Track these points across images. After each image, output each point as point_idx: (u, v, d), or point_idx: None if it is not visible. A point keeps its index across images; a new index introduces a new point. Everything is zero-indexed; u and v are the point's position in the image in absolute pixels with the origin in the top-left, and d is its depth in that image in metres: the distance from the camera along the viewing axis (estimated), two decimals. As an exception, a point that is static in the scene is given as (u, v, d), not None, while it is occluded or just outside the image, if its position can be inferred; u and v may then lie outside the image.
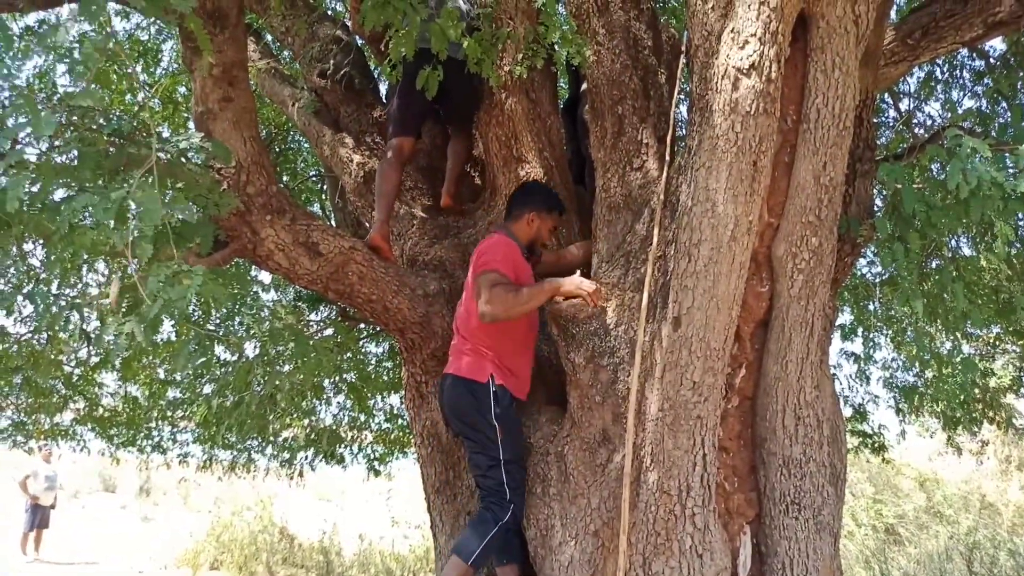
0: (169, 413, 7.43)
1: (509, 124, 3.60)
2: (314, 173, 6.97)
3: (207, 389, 6.44)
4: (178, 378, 6.51)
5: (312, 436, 7.23)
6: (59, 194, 2.52)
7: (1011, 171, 2.82)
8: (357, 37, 4.51)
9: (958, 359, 5.16)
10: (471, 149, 4.05)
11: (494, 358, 3.06)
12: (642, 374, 2.75)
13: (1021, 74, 4.85)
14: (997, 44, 5.31)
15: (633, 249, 3.12)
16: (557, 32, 3.18)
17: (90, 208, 1.95)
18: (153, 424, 7.70)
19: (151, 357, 6.02)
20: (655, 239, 2.95)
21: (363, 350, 7.31)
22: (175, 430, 7.90)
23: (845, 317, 6.68)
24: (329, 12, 5.41)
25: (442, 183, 4.08)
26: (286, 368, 4.31)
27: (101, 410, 7.19)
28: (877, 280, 6.33)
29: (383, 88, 5.11)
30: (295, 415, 6.83)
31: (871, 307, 6.57)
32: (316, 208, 6.98)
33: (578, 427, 2.95)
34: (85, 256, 2.55)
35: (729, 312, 2.69)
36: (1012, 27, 3.72)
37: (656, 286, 2.88)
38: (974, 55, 5.34)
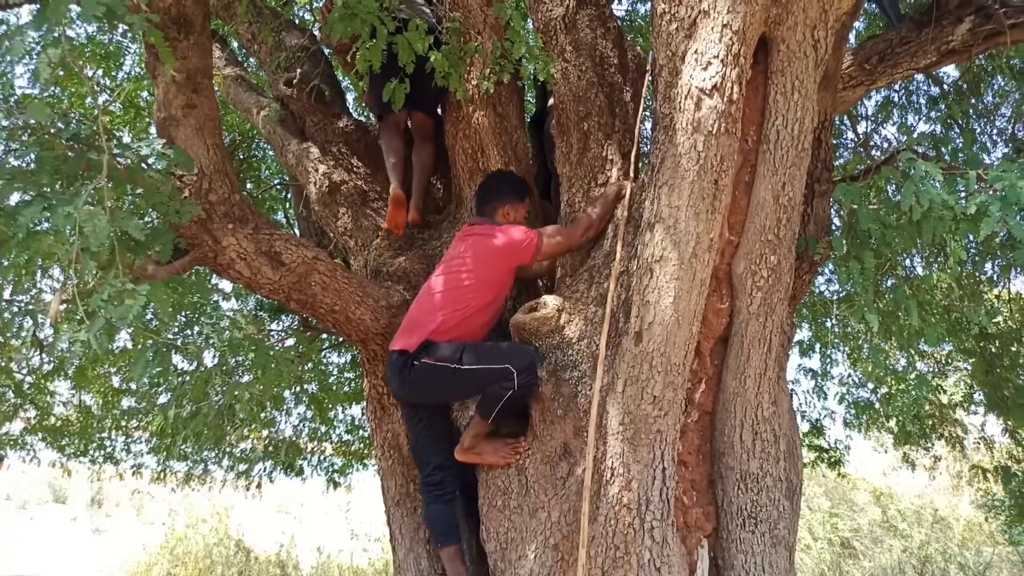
0: (123, 423, 7.26)
1: (476, 137, 3.61)
2: (278, 181, 6.91)
3: (163, 399, 6.32)
4: (133, 387, 6.37)
5: (271, 448, 7.13)
6: (15, 198, 2.47)
7: (962, 194, 2.91)
8: (324, 47, 4.49)
9: (912, 376, 5.28)
10: (435, 162, 4.05)
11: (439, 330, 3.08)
12: (603, 388, 2.77)
13: (973, 101, 5.01)
14: (951, 71, 5.48)
15: (597, 264, 3.15)
16: (524, 48, 3.21)
17: (47, 215, 1.91)
18: (106, 434, 7.52)
19: (106, 365, 5.90)
20: (618, 255, 2.98)
21: (324, 361, 7.24)
22: (129, 440, 7.72)
23: (803, 333, 6.80)
24: (296, 21, 5.38)
25: (407, 195, 4.07)
26: (245, 379, 4.26)
27: (53, 419, 7.01)
28: (834, 297, 6.46)
29: (351, 98, 5.10)
30: (254, 426, 6.73)
31: (828, 324, 6.70)
32: (280, 217, 6.91)
33: (539, 440, 2.96)
34: (40, 262, 2.49)
35: (690, 328, 2.73)
36: (964, 55, 3.86)
37: (619, 301, 2.91)
38: (929, 81, 5.50)
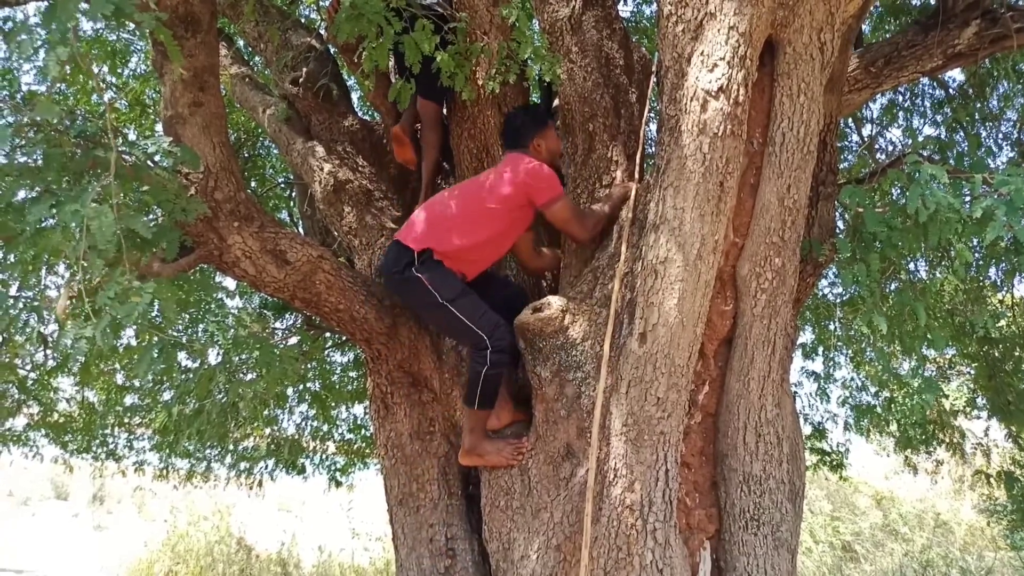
0: (126, 419, 7.28)
1: (481, 137, 3.62)
2: (282, 180, 6.92)
3: (167, 396, 6.33)
4: (137, 384, 6.39)
5: (273, 446, 7.14)
6: (21, 194, 2.48)
7: (968, 198, 2.91)
8: (331, 46, 4.50)
9: (917, 380, 5.28)
10: (442, 146, 4.03)
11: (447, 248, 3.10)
12: (607, 389, 2.77)
13: (978, 105, 5.00)
14: (956, 75, 5.48)
15: (601, 265, 3.15)
16: (530, 48, 3.21)
17: (54, 212, 1.92)
18: (109, 430, 7.54)
19: (111, 362, 5.91)
20: (623, 256, 2.98)
21: (328, 359, 7.25)
22: (132, 437, 7.74)
23: (806, 336, 6.80)
24: (303, 20, 5.39)
25: (412, 193, 4.08)
26: (249, 376, 4.27)
27: (56, 415, 7.03)
28: (838, 300, 6.46)
29: (356, 97, 5.11)
30: (257, 424, 6.74)
31: (831, 327, 6.70)
32: (284, 215, 6.92)
33: (542, 441, 2.96)
34: (46, 259, 2.50)
35: (694, 329, 2.73)
36: (970, 59, 3.85)
37: (623, 302, 2.91)
38: (935, 85, 5.50)
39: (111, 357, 5.69)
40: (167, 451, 7.24)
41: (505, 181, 3.15)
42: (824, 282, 6.45)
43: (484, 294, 3.16)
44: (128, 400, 6.85)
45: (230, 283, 6.29)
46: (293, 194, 6.55)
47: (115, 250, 2.07)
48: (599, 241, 3.28)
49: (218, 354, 4.10)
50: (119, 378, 6.55)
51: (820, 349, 6.67)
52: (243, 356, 3.92)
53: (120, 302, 2.00)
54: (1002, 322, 5.82)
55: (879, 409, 6.78)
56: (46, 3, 1.94)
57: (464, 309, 3.02)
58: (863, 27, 4.56)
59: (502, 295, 3.29)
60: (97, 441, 7.51)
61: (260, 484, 7.87)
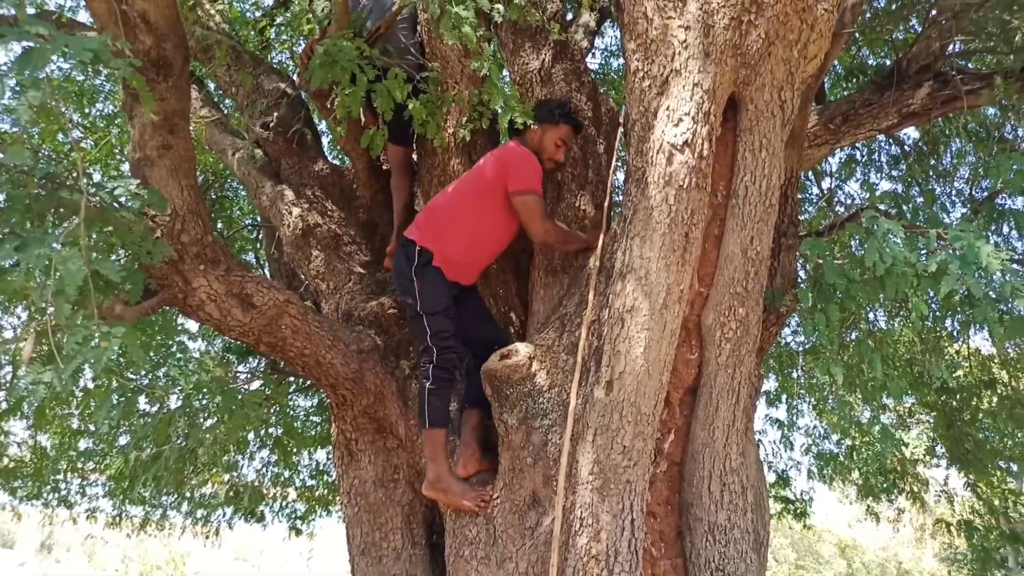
0: (80, 465, 7.06)
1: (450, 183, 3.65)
2: (250, 222, 6.89)
3: (123, 440, 6.16)
4: (92, 428, 6.22)
5: (232, 493, 6.96)
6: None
7: (923, 252, 3.00)
8: (302, 91, 4.53)
9: (876, 428, 5.35)
10: (412, 198, 4.07)
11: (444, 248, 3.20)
12: (574, 437, 2.77)
13: (932, 162, 5.18)
14: (912, 132, 5.68)
15: (568, 312, 3.17)
16: (501, 99, 3.27)
17: (20, 255, 1.90)
18: (61, 476, 7.29)
19: (66, 406, 5.76)
20: (590, 304, 3.01)
21: (291, 404, 7.14)
22: (85, 483, 7.49)
23: (770, 384, 6.88)
24: (275, 65, 5.43)
25: (381, 239, 4.09)
26: (210, 422, 4.19)
27: (6, 460, 6.79)
28: (800, 349, 6.55)
29: (326, 142, 5.13)
30: (215, 470, 6.58)
31: (794, 375, 6.79)
32: (250, 257, 6.87)
33: (508, 489, 2.94)
34: (4, 301, 2.46)
35: (660, 378, 2.75)
36: (924, 118, 4.01)
37: (590, 350, 2.93)
38: (891, 141, 5.69)
39: (67, 401, 5.55)
40: (121, 498, 7.01)
41: (490, 164, 3.25)
42: (787, 330, 6.56)
43: (472, 327, 3.30)
44: (83, 445, 6.65)
45: (192, 325, 6.20)
46: (260, 236, 6.52)
47: (78, 293, 2.04)
48: (556, 248, 3.34)
49: (179, 398, 4.02)
50: (75, 422, 6.37)
51: (784, 397, 6.74)
52: (204, 400, 3.85)
53: (88, 348, 1.97)
54: (959, 372, 5.95)
55: (841, 457, 6.85)
56: (21, 46, 1.94)
57: (433, 325, 3.13)
58: (824, 83, 4.73)
59: (487, 338, 3.32)
60: (48, 487, 7.26)
61: (217, 532, 7.65)
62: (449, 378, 3.15)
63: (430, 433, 3.09)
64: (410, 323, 3.38)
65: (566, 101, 3.54)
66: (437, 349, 3.11)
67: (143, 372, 4.52)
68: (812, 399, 6.98)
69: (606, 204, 3.40)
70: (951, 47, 4.19)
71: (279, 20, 5.71)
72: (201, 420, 4.19)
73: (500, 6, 3.15)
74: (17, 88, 1.80)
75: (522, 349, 3.10)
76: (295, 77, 4.73)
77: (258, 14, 6.05)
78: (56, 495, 7.38)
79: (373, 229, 4.24)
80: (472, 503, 2.98)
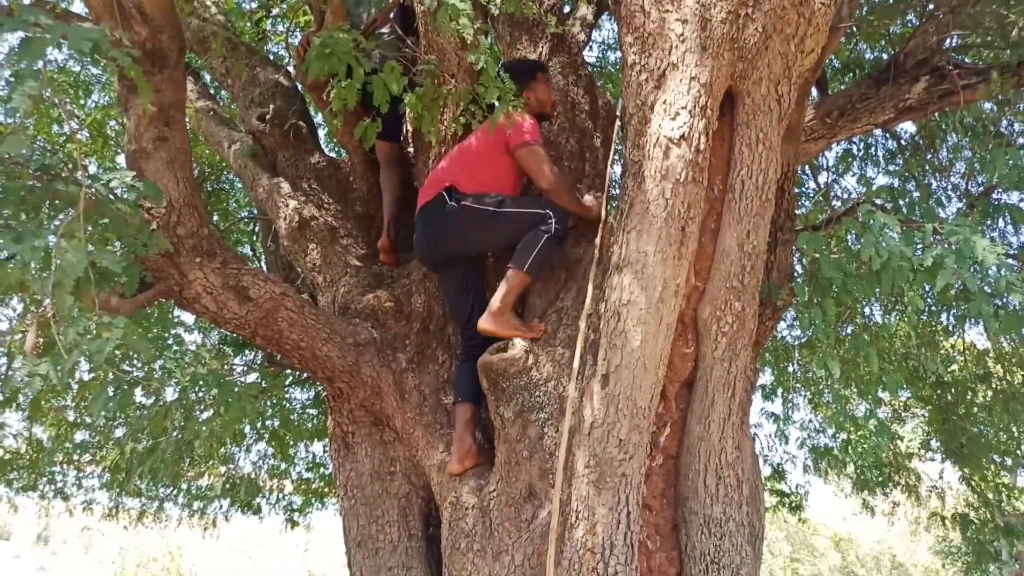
0: (76, 457, 7.06)
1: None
2: (246, 214, 6.88)
3: (119, 432, 6.16)
4: (89, 420, 6.22)
5: (229, 485, 6.97)
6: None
7: (919, 246, 3.01)
8: (298, 83, 4.52)
9: (871, 422, 5.37)
10: (402, 192, 4.07)
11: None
12: (570, 430, 2.78)
13: (929, 156, 5.19)
14: (908, 127, 5.68)
15: (565, 306, 3.17)
16: (496, 92, 3.26)
17: (17, 247, 1.89)
18: (57, 468, 7.29)
19: (62, 397, 5.75)
20: (587, 297, 3.01)
21: (288, 396, 7.14)
22: (81, 475, 7.50)
23: (766, 378, 6.90)
24: (271, 57, 5.41)
25: (377, 231, 4.09)
26: (206, 414, 4.19)
27: (2, 452, 6.79)
28: (796, 343, 6.57)
29: (323, 134, 5.12)
30: (212, 462, 6.59)
31: (790, 368, 6.80)
32: (246, 250, 6.86)
33: (504, 482, 2.95)
34: (1, 294, 2.45)
35: (656, 371, 2.76)
36: (921, 113, 4.01)
37: (587, 343, 2.93)
38: (887, 136, 5.69)
39: (63, 393, 5.55)
40: (118, 490, 7.02)
41: (486, 128, 3.27)
42: (783, 324, 6.57)
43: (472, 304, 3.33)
44: (79, 437, 6.65)
45: (188, 318, 6.20)
46: (256, 229, 6.51)
47: (76, 285, 2.04)
48: (562, 201, 3.31)
49: (175, 391, 4.02)
50: (71, 414, 6.36)
51: (779, 391, 6.76)
52: (201, 393, 3.85)
53: (88, 339, 1.97)
54: (954, 366, 5.97)
55: (836, 451, 6.87)
56: (18, 37, 1.93)
57: (515, 204, 3.21)
58: (826, 74, 4.72)
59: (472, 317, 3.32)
60: (44, 479, 7.26)
61: (214, 524, 7.66)
62: (564, 234, 3.22)
63: (521, 276, 3.14)
64: (490, 237, 3.31)
65: (524, 59, 3.64)
66: (543, 208, 3.16)
67: (139, 364, 4.52)
68: (808, 393, 7.00)
69: (603, 197, 3.40)
70: (948, 42, 4.19)
71: (275, 11, 5.69)
72: (197, 412, 4.19)
73: (497, -1, 3.15)
74: (14, 78, 1.80)
75: (519, 342, 3.10)
76: (291, 68, 4.72)
77: (254, 5, 6.03)
78: (52, 487, 7.39)
79: (370, 222, 4.23)
80: (524, 333, 3.09)
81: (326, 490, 7.68)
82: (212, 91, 5.29)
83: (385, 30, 3.93)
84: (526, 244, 3.15)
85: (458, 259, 3.38)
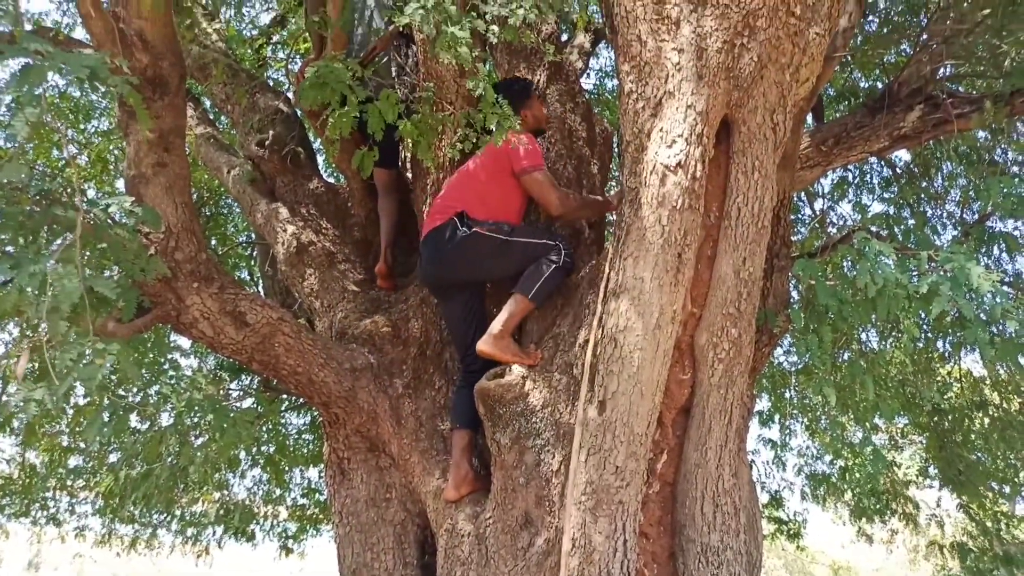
0: (69, 482, 7.01)
1: (445, 203, 3.66)
2: (244, 239, 6.89)
3: (113, 458, 6.12)
4: (83, 446, 6.18)
5: (223, 511, 6.91)
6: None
7: (914, 274, 3.02)
8: (298, 109, 4.56)
9: (868, 449, 5.36)
10: (400, 217, 4.09)
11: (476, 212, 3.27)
12: (565, 457, 2.77)
13: (923, 184, 5.22)
14: (903, 155, 5.73)
15: (562, 332, 3.17)
16: (495, 118, 3.29)
17: (15, 272, 1.89)
18: (50, 494, 7.23)
19: (56, 423, 5.72)
20: (584, 324, 3.01)
21: (284, 421, 7.11)
22: (74, 501, 7.44)
23: (763, 404, 6.88)
24: (271, 83, 5.46)
25: (375, 257, 4.10)
26: (201, 440, 4.16)
27: (-7, 477, 6.74)
28: (793, 369, 6.56)
29: (321, 160, 5.15)
30: (206, 488, 6.54)
31: (787, 395, 6.79)
32: (244, 274, 6.86)
33: (501, 509, 2.93)
34: (-2, 318, 2.45)
35: (653, 398, 2.75)
36: (915, 141, 4.05)
37: (584, 370, 2.92)
38: (882, 163, 5.74)
39: (58, 418, 5.52)
40: (111, 516, 6.96)
41: (488, 152, 3.29)
42: (780, 350, 6.57)
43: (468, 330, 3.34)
44: (73, 462, 6.60)
45: (185, 343, 6.18)
46: (255, 254, 6.52)
47: (72, 310, 2.04)
48: (575, 218, 3.43)
49: (170, 416, 4.00)
50: (65, 439, 6.33)
51: (776, 417, 6.74)
52: (196, 418, 3.84)
53: (82, 365, 1.96)
54: (951, 393, 5.96)
55: (834, 478, 6.84)
56: (16, 63, 1.95)
57: (526, 234, 3.23)
58: (822, 102, 4.77)
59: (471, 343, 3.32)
60: (37, 505, 7.19)
61: (207, 551, 7.59)
62: (571, 267, 3.23)
63: (526, 303, 3.15)
64: (501, 264, 3.29)
65: (516, 78, 3.69)
66: (552, 239, 3.19)
67: (135, 390, 4.50)
68: (805, 419, 6.98)
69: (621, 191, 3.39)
70: (942, 71, 4.24)
71: (276, 38, 5.75)
72: (192, 438, 4.17)
73: (495, 27, 3.18)
74: (14, 104, 1.81)
75: (515, 368, 3.10)
76: (291, 95, 4.75)
77: (255, 32, 6.09)
78: (45, 513, 7.32)
79: (368, 247, 4.25)
80: (522, 358, 3.09)
81: (321, 517, 7.62)
82: (212, 117, 5.33)
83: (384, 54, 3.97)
84: (533, 272, 3.16)
85: (463, 285, 3.38)
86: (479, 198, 3.26)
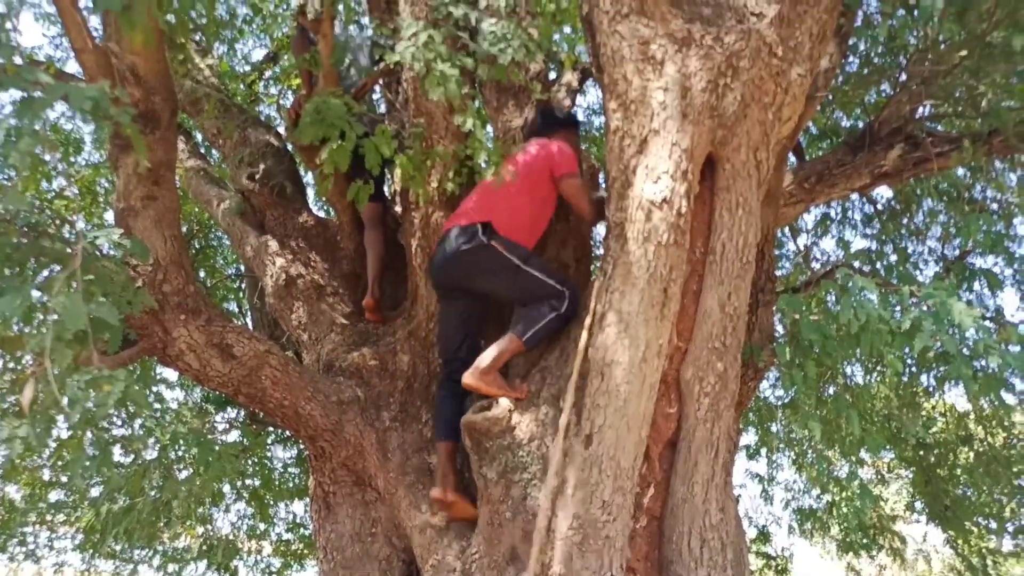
0: (49, 517, 6.89)
1: (434, 237, 3.68)
2: (233, 271, 6.89)
3: (95, 492, 6.04)
4: (65, 479, 6.09)
5: (206, 546, 6.81)
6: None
7: (897, 309, 3.06)
8: (289, 144, 4.60)
9: (855, 484, 5.36)
10: (387, 251, 4.12)
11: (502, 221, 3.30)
12: (552, 491, 2.76)
13: (905, 220, 5.30)
14: (885, 191, 5.82)
15: (549, 366, 3.18)
16: (484, 154, 3.33)
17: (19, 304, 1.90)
18: (29, 528, 7.11)
19: (39, 456, 5.65)
20: (571, 358, 3.03)
21: (269, 454, 7.05)
22: (53, 536, 7.31)
23: (750, 438, 6.88)
24: (262, 117, 5.50)
25: (363, 290, 4.11)
26: (185, 474, 4.12)
27: (-29, 513, 6.62)
28: (780, 403, 6.58)
29: (311, 193, 5.18)
30: (189, 523, 6.45)
31: (774, 428, 6.80)
32: (232, 306, 6.85)
33: (487, 544, 2.91)
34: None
35: (639, 432, 2.76)
36: (896, 179, 4.12)
37: (570, 403, 2.93)
38: (864, 200, 5.82)
39: (39, 452, 5.45)
40: (91, 551, 6.84)
41: (531, 154, 3.37)
42: (766, 384, 6.59)
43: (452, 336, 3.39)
44: (54, 496, 6.50)
45: (171, 375, 6.14)
46: (243, 286, 6.52)
47: (81, 340, 2.04)
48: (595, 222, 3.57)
49: (154, 449, 3.97)
50: (46, 473, 6.24)
51: (763, 451, 6.74)
52: (180, 452, 3.81)
53: (91, 392, 1.95)
54: (936, 427, 5.99)
55: (821, 512, 6.82)
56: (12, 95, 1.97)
57: (538, 267, 3.23)
58: (801, 141, 4.85)
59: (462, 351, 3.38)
60: (15, 540, 7.06)
61: (189, 587, 7.45)
62: (573, 314, 3.20)
63: (518, 346, 3.14)
64: (504, 285, 3.28)
65: (559, 109, 3.84)
66: (560, 283, 3.20)
67: (119, 423, 4.46)
68: (792, 453, 6.98)
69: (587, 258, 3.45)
70: (921, 111, 4.33)
71: (268, 74, 5.81)
72: (176, 472, 4.12)
73: (484, 65, 3.24)
74: (14, 136, 1.83)
75: (503, 401, 3.10)
76: (282, 129, 4.79)
77: (248, 68, 6.16)
78: (23, 548, 7.19)
79: (356, 280, 4.26)
80: (509, 392, 3.09)
81: (306, 552, 7.52)
82: (203, 150, 5.36)
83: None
84: (534, 315, 3.16)
85: (464, 292, 3.38)
86: (508, 211, 3.29)
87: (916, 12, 3.77)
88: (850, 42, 4.23)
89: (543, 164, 3.36)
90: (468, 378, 3.10)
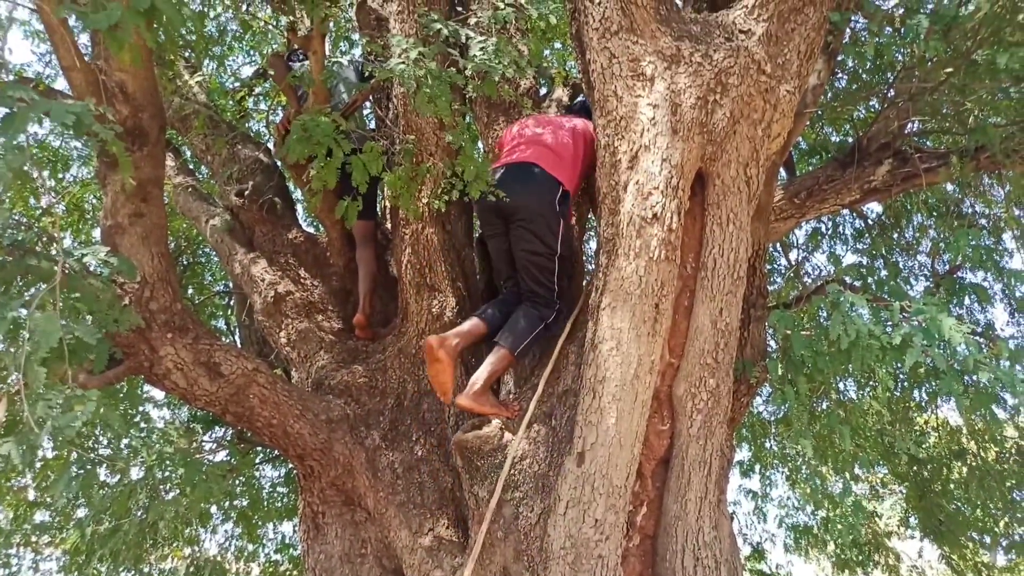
0: (34, 538, 6.79)
1: (424, 253, 3.66)
2: (221, 288, 6.84)
3: (81, 513, 5.95)
4: (50, 500, 6.00)
5: (193, 568, 6.71)
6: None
7: (888, 325, 3.06)
8: (278, 160, 4.58)
9: (848, 500, 5.34)
10: (377, 267, 4.10)
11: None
12: (544, 511, 2.73)
13: (895, 235, 5.32)
14: (875, 207, 5.85)
15: (540, 383, 3.16)
16: (474, 170, 3.32)
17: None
18: (12, 550, 6.99)
19: (23, 476, 5.57)
20: (562, 375, 3.01)
21: (257, 474, 6.97)
22: (38, 558, 7.19)
23: (743, 454, 6.86)
24: (251, 133, 5.49)
25: (353, 306, 4.08)
26: (172, 495, 4.06)
27: (-46, 534, 6.51)
28: (773, 419, 6.56)
29: (300, 209, 5.15)
30: (176, 544, 6.36)
31: (767, 445, 6.77)
32: (221, 324, 6.80)
33: (479, 564, 2.87)
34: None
35: (632, 449, 2.74)
36: (885, 194, 4.14)
37: (562, 421, 2.91)
38: (855, 215, 5.85)
39: (23, 472, 5.37)
40: (76, 573, 6.73)
41: (577, 122, 3.48)
42: (759, 400, 6.58)
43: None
44: (38, 517, 6.40)
45: (158, 394, 6.08)
46: (231, 303, 6.47)
47: (53, 358, 2.01)
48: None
49: (140, 469, 3.91)
50: (31, 493, 6.15)
51: (757, 467, 6.71)
52: (167, 472, 3.75)
53: (59, 414, 1.92)
54: (929, 442, 5.98)
55: (816, 529, 6.79)
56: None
57: (566, 245, 3.27)
58: (792, 156, 4.87)
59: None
60: (-1, 562, 6.95)
61: (175, 610, 7.33)
62: (559, 331, 3.22)
63: (509, 359, 3.14)
64: (528, 252, 3.27)
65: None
66: (558, 296, 3.23)
67: (104, 443, 4.40)
68: (785, 469, 6.96)
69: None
70: (909, 127, 4.36)
71: (257, 90, 5.80)
72: (163, 492, 4.07)
73: (474, 82, 3.24)
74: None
75: (494, 420, 3.07)
76: (271, 146, 4.78)
77: (237, 84, 6.15)
78: (6, 571, 7.07)
79: (346, 296, 4.23)
80: (501, 412, 3.08)
81: (295, 573, 7.42)
82: (192, 167, 5.34)
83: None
84: (523, 328, 3.17)
85: (508, 227, 3.36)
86: (569, 179, 3.33)
87: (903, 30, 3.80)
88: (838, 59, 4.26)
89: (586, 136, 3.43)
90: (463, 399, 3.08)
